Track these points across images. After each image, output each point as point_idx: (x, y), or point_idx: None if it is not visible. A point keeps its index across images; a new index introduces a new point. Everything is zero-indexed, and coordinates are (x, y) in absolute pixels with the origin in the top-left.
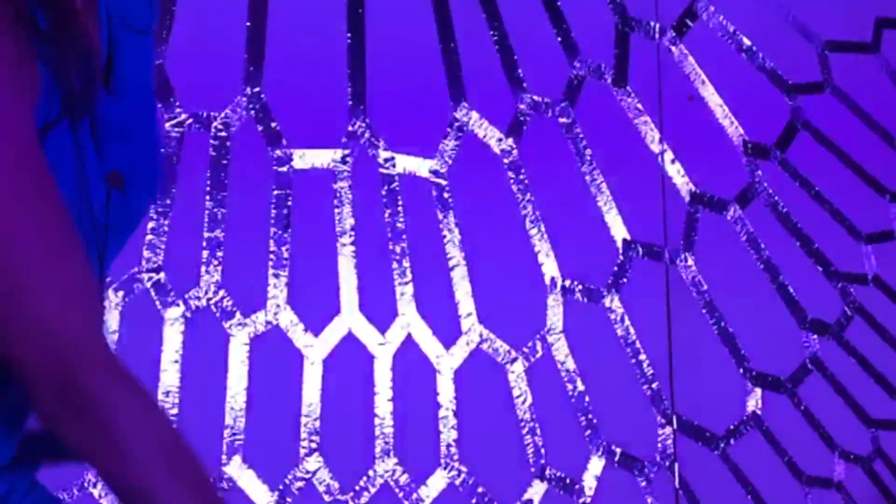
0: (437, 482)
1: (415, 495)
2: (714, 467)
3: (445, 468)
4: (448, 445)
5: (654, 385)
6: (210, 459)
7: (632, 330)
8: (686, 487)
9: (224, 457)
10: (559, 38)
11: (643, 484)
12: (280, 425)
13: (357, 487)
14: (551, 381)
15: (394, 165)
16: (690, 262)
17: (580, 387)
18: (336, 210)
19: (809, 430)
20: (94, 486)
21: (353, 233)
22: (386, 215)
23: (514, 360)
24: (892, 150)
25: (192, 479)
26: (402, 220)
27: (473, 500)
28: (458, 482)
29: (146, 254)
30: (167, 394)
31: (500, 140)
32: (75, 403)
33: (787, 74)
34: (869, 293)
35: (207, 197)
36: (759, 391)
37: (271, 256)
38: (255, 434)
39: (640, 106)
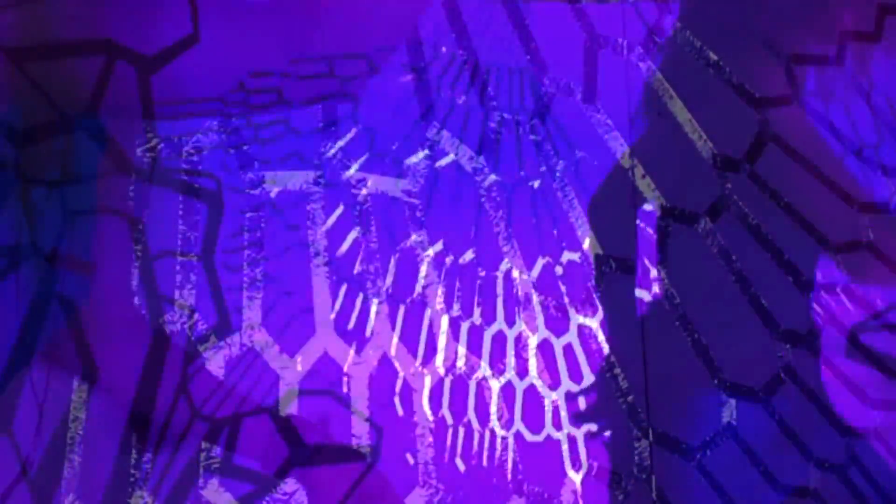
0: (415, 500)
1: None
2: (691, 478)
3: (423, 486)
4: (425, 463)
5: (629, 398)
6: (187, 484)
7: (605, 344)
8: (663, 499)
9: (201, 480)
10: (528, 56)
11: (621, 497)
12: (256, 447)
13: None
14: (527, 396)
15: (365, 185)
16: (663, 275)
17: (556, 401)
18: (309, 231)
19: (784, 439)
20: None
21: (326, 254)
22: (359, 235)
23: (490, 376)
24: (860, 161)
25: None
26: (374, 239)
27: None
28: (436, 500)
29: None
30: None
31: (472, 158)
32: None
33: (753, 88)
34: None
35: (180, 220)
36: (733, 402)
37: (245, 279)
38: (232, 456)
39: (609, 122)
